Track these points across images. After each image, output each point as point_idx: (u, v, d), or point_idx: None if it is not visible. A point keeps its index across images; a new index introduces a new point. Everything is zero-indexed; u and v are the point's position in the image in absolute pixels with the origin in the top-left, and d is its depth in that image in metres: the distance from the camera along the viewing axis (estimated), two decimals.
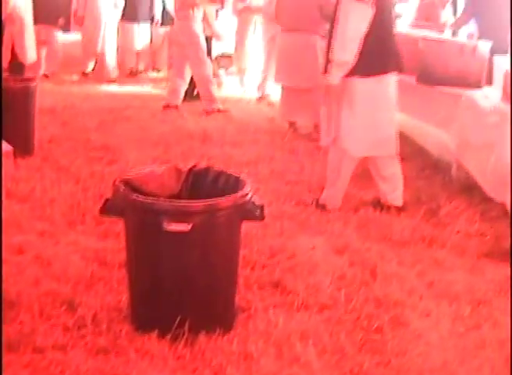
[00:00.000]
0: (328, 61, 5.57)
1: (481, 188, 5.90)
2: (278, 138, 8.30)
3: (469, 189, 6.29)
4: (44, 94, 8.93)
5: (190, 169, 4.01)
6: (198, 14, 9.82)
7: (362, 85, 5.57)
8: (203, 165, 4.11)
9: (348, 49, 5.45)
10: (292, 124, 8.81)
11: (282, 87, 8.95)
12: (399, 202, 5.91)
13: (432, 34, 7.69)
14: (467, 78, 6.82)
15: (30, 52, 10.15)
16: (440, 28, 8.31)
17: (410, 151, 7.56)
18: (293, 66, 8.27)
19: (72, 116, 9.20)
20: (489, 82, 7.01)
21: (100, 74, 12.69)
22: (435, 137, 7.45)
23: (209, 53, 10.29)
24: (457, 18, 9.06)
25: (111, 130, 8.51)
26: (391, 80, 5.72)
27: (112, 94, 11.29)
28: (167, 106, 9.93)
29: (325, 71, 5.62)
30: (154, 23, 13.15)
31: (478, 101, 6.26)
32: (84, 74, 12.97)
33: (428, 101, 7.15)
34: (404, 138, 8.10)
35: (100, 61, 12.77)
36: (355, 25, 5.40)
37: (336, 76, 5.57)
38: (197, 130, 8.53)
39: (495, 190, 5.66)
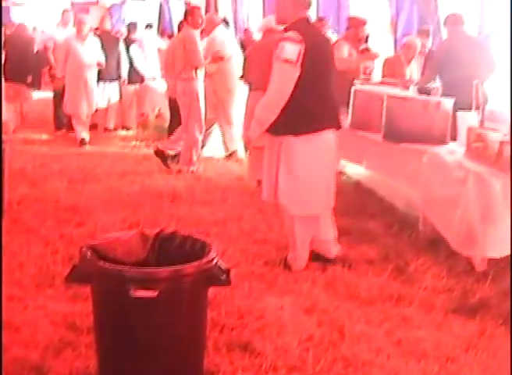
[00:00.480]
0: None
1: (447, 243, 5.97)
2: (246, 197, 8.31)
3: (436, 244, 6.33)
4: (14, 154, 8.96)
5: (157, 234, 4.04)
6: (200, 74, 9.87)
7: (296, 143, 5.54)
8: (169, 229, 4.11)
9: (268, 107, 5.55)
10: (260, 183, 8.81)
11: (251, 147, 9.00)
12: (338, 251, 6.00)
13: (396, 91, 7.81)
14: (431, 134, 6.93)
15: None
16: (405, 85, 8.40)
17: (378, 208, 7.62)
18: None
19: (42, 177, 9.20)
20: (453, 138, 7.12)
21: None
22: (402, 193, 7.50)
23: None
24: (422, 75, 9.19)
25: (80, 190, 8.51)
26: (327, 137, 5.64)
27: (81, 154, 11.27)
28: (160, 152, 9.94)
29: None
30: (121, 82, 13.17)
31: (443, 157, 6.36)
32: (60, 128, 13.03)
33: (395, 157, 7.23)
34: (372, 195, 8.21)
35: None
36: (280, 85, 5.48)
37: (254, 131, 5.71)
38: (165, 189, 8.55)
39: (461, 244, 5.74)
